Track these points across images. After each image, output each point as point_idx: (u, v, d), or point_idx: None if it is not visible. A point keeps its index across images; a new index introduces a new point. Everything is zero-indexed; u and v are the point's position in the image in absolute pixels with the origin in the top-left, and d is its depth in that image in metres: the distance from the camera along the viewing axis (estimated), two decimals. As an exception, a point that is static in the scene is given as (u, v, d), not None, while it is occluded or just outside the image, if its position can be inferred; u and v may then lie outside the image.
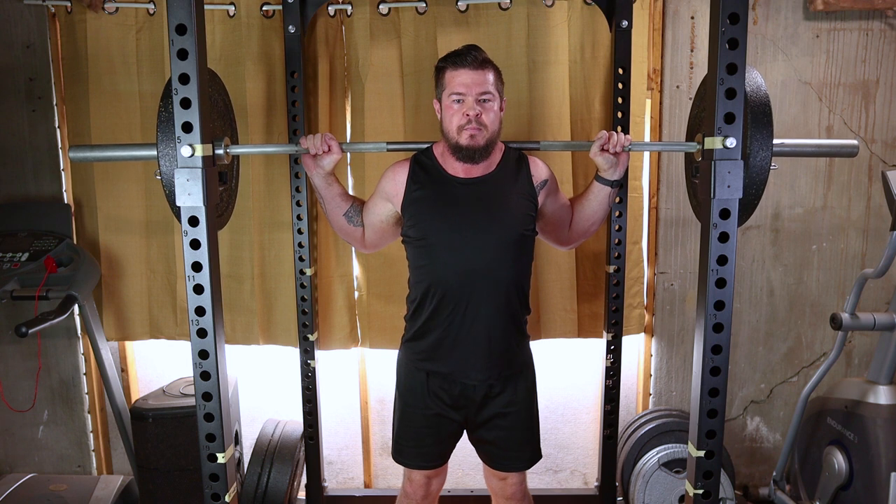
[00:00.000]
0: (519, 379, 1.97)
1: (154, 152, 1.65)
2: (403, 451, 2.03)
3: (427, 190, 1.90)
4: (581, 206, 1.97)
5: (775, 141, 1.61)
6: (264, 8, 2.51)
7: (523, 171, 1.94)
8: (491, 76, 1.83)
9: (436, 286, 1.87)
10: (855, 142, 1.75)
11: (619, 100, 2.40)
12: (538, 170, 1.96)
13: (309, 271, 2.53)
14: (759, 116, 1.59)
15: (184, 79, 1.45)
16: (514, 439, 1.98)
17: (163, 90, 1.69)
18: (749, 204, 1.65)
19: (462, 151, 1.82)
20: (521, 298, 1.94)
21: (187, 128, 1.47)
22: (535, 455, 2.03)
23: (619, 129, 2.33)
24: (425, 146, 1.96)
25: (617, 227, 2.47)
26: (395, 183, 1.93)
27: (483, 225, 1.85)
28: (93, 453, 2.96)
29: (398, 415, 2.04)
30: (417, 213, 1.89)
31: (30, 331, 2.16)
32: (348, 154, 2.67)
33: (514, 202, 1.90)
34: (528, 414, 2.00)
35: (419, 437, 1.99)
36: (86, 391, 2.90)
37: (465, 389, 1.93)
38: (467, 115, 1.79)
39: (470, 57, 1.81)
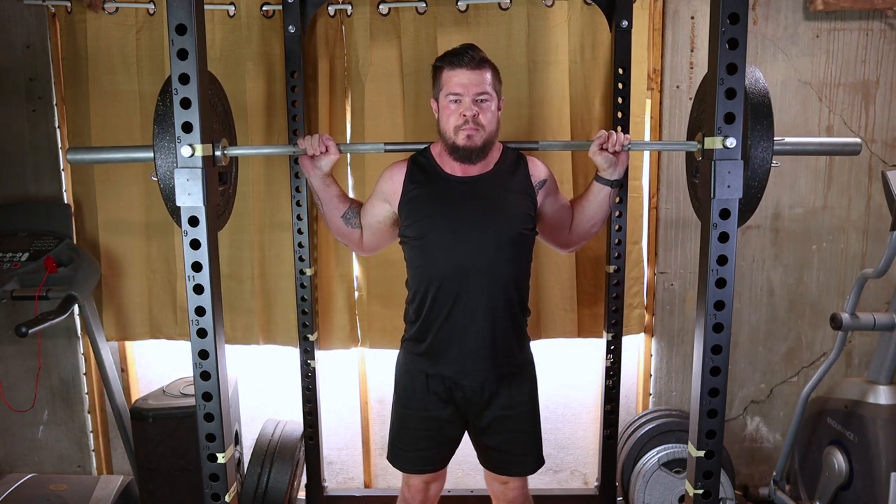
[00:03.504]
0: (520, 380, 1.97)
1: (151, 154, 1.64)
2: (401, 455, 2.01)
3: (424, 189, 1.89)
4: (581, 207, 1.96)
5: (776, 138, 1.61)
6: (264, 8, 2.51)
7: (521, 170, 1.93)
8: (488, 75, 1.82)
9: (434, 285, 1.87)
10: (857, 140, 1.75)
11: (619, 100, 2.40)
12: (537, 169, 1.95)
13: (309, 271, 2.53)
14: (759, 113, 1.59)
15: (184, 79, 1.45)
16: (516, 443, 1.97)
17: (161, 87, 1.68)
18: (751, 202, 1.65)
19: (459, 151, 1.82)
20: (520, 298, 1.93)
21: (187, 128, 1.47)
22: (538, 460, 2.01)
23: (618, 128, 2.32)
24: (423, 146, 1.95)
25: (617, 227, 2.46)
26: (393, 183, 1.93)
27: (481, 223, 1.84)
28: (93, 453, 2.96)
29: (396, 417, 2.02)
30: (414, 212, 1.88)
31: (30, 331, 2.16)
32: (348, 154, 2.67)
33: (512, 200, 1.89)
34: (530, 417, 1.99)
35: (418, 440, 1.98)
36: (86, 391, 2.90)
37: (465, 391, 1.92)
38: (464, 115, 1.78)
39: (467, 56, 1.79)
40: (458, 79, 1.79)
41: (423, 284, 1.89)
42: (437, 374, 1.93)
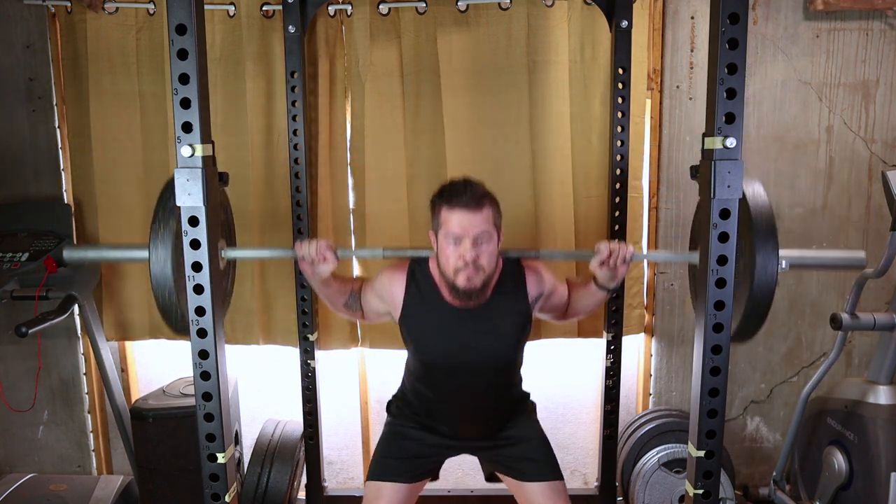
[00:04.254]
0: (519, 419, 2.03)
1: (145, 253, 1.61)
2: (384, 463, 1.98)
3: (423, 317, 1.89)
4: (577, 300, 1.98)
5: (781, 252, 1.59)
6: (264, 8, 2.51)
7: (520, 289, 1.91)
8: (488, 213, 1.75)
9: (431, 389, 1.95)
10: (862, 254, 1.74)
11: (619, 100, 2.40)
12: (534, 285, 1.93)
13: (309, 271, 2.53)
14: (762, 229, 1.57)
15: (184, 79, 1.45)
16: (533, 452, 1.99)
17: (160, 191, 1.66)
18: (758, 316, 1.63)
19: (459, 292, 1.78)
20: (516, 386, 2.04)
21: (187, 128, 1.46)
22: (556, 471, 2.00)
23: (616, 228, 2.18)
24: (423, 255, 1.89)
25: (617, 228, 2.46)
26: (392, 295, 1.91)
27: (477, 356, 1.87)
28: (93, 453, 2.96)
29: (381, 440, 2.05)
30: (413, 336, 1.91)
31: (30, 331, 2.16)
32: (348, 155, 2.67)
33: (508, 329, 1.90)
34: (540, 439, 2.03)
35: (406, 450, 1.99)
36: (86, 391, 2.90)
37: (462, 443, 2.01)
38: (464, 258, 1.73)
39: (466, 196, 1.73)
40: (458, 220, 1.73)
41: (419, 382, 1.96)
42: (430, 425, 2.00)
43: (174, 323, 1.65)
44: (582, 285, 1.95)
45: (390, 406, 2.10)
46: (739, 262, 1.55)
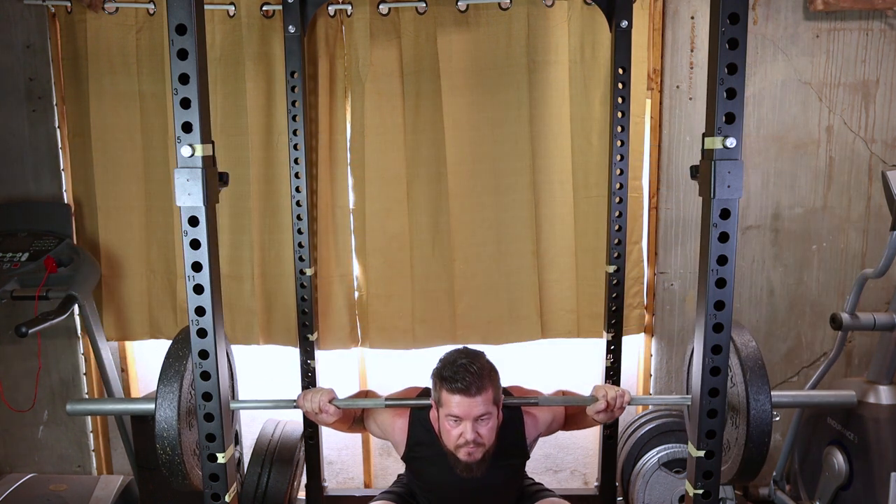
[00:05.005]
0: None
1: (152, 406, 1.64)
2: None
3: (426, 468, 1.97)
4: (572, 423, 2.03)
5: (773, 394, 1.63)
6: (264, 8, 2.51)
7: (517, 435, 1.96)
8: (488, 395, 1.78)
9: None
10: (852, 394, 1.81)
11: (619, 100, 2.40)
12: (532, 429, 1.98)
13: (309, 271, 2.53)
14: (755, 372, 1.62)
15: (184, 79, 1.44)
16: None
17: (168, 351, 1.71)
18: (755, 461, 1.66)
19: (460, 465, 1.83)
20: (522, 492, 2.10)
21: (187, 128, 1.46)
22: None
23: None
24: (424, 404, 1.88)
25: (617, 228, 2.46)
26: (395, 435, 1.99)
27: None
28: (93, 453, 2.96)
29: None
30: (418, 478, 2.02)
31: (30, 331, 2.16)
32: (348, 155, 2.67)
33: (508, 482, 2.00)
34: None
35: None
36: (86, 391, 2.90)
37: None
38: (465, 437, 1.78)
39: (467, 381, 1.75)
40: (458, 404, 1.77)
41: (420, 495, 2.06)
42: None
43: (178, 481, 1.69)
44: (579, 413, 1.96)
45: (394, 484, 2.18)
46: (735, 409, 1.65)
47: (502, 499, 2.03)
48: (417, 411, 1.94)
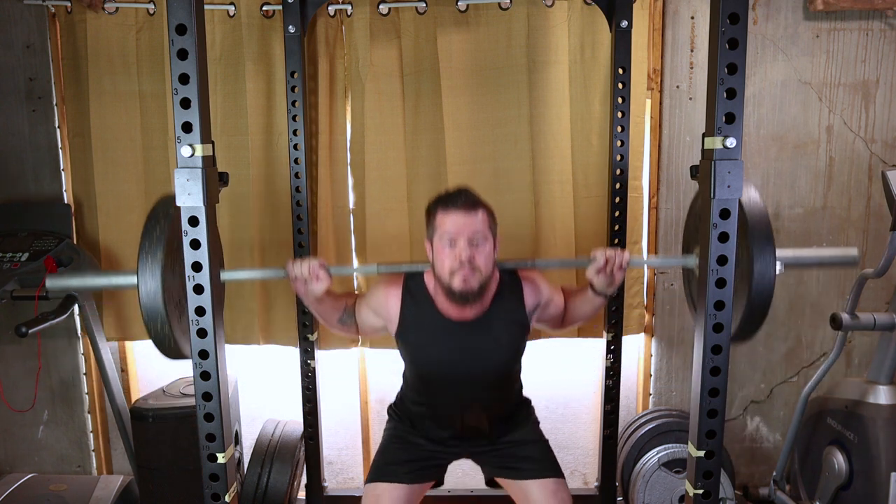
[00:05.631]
0: (520, 425, 2.04)
1: (134, 280, 1.55)
2: (385, 466, 1.99)
3: (419, 331, 1.89)
4: (574, 307, 1.98)
5: (778, 253, 1.60)
6: (264, 8, 2.51)
7: (517, 300, 1.92)
8: (483, 217, 1.78)
9: (429, 400, 1.97)
10: (854, 252, 1.75)
11: (619, 100, 2.40)
12: (531, 296, 1.94)
13: (309, 271, 2.53)
14: (760, 230, 1.58)
15: (184, 79, 1.45)
16: (533, 452, 2.01)
17: (147, 216, 1.58)
18: (757, 318, 1.63)
19: (455, 296, 1.77)
20: (515, 398, 2.05)
21: (187, 128, 1.46)
22: (557, 469, 2.00)
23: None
24: (418, 269, 1.89)
25: (617, 228, 2.46)
26: (388, 310, 1.91)
27: (475, 369, 1.89)
28: (93, 453, 2.96)
29: (383, 444, 2.07)
30: (410, 349, 1.93)
31: (30, 331, 2.16)
32: (348, 155, 2.67)
33: (505, 341, 1.90)
34: (541, 442, 2.04)
35: (408, 453, 2.00)
36: (86, 391, 2.90)
37: (463, 445, 2.01)
38: (459, 258, 1.74)
39: (461, 199, 1.77)
40: (453, 221, 1.75)
41: (418, 393, 1.98)
42: (432, 437, 2.01)
43: (168, 350, 1.62)
44: (579, 292, 1.95)
45: (390, 411, 2.11)
46: (737, 266, 1.56)
47: (497, 361, 1.91)
48: (409, 283, 1.91)
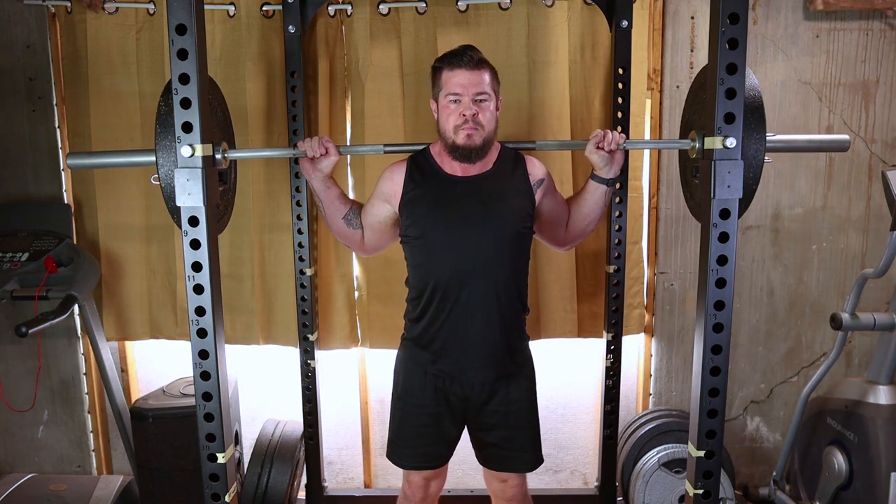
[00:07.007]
0: (519, 378, 1.98)
1: (153, 158, 1.64)
2: (401, 451, 2.03)
3: (424, 189, 1.91)
4: (577, 205, 1.98)
5: (768, 136, 1.61)
6: (264, 8, 2.51)
7: (520, 169, 1.95)
8: (487, 76, 1.84)
9: (434, 284, 1.89)
10: (846, 137, 1.76)
11: (619, 100, 2.40)
12: (535, 168, 1.98)
13: (309, 271, 2.53)
14: (751, 112, 1.59)
15: (184, 79, 1.45)
16: (515, 439, 1.98)
17: (163, 89, 1.68)
18: (745, 198, 1.63)
19: (459, 151, 1.84)
20: (519, 296, 1.95)
21: (187, 128, 1.47)
22: (537, 458, 2.02)
23: (618, 128, 2.32)
24: (422, 146, 1.96)
25: (617, 227, 2.47)
26: (393, 183, 1.94)
27: (480, 222, 1.86)
28: (93, 453, 2.96)
29: (397, 415, 2.03)
30: (415, 212, 1.90)
31: (30, 331, 2.16)
32: (348, 155, 2.67)
33: (510, 199, 1.91)
34: (529, 413, 2.00)
35: (418, 437, 1.99)
36: (86, 391, 2.90)
37: (465, 388, 1.94)
38: (464, 114, 1.81)
39: (466, 57, 1.82)
40: (458, 79, 1.81)
41: (424, 283, 1.91)
42: (437, 371, 1.94)
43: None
44: (580, 192, 1.98)
45: (402, 343, 2.05)
46: None
47: (502, 216, 1.87)
48: (414, 156, 1.96)
